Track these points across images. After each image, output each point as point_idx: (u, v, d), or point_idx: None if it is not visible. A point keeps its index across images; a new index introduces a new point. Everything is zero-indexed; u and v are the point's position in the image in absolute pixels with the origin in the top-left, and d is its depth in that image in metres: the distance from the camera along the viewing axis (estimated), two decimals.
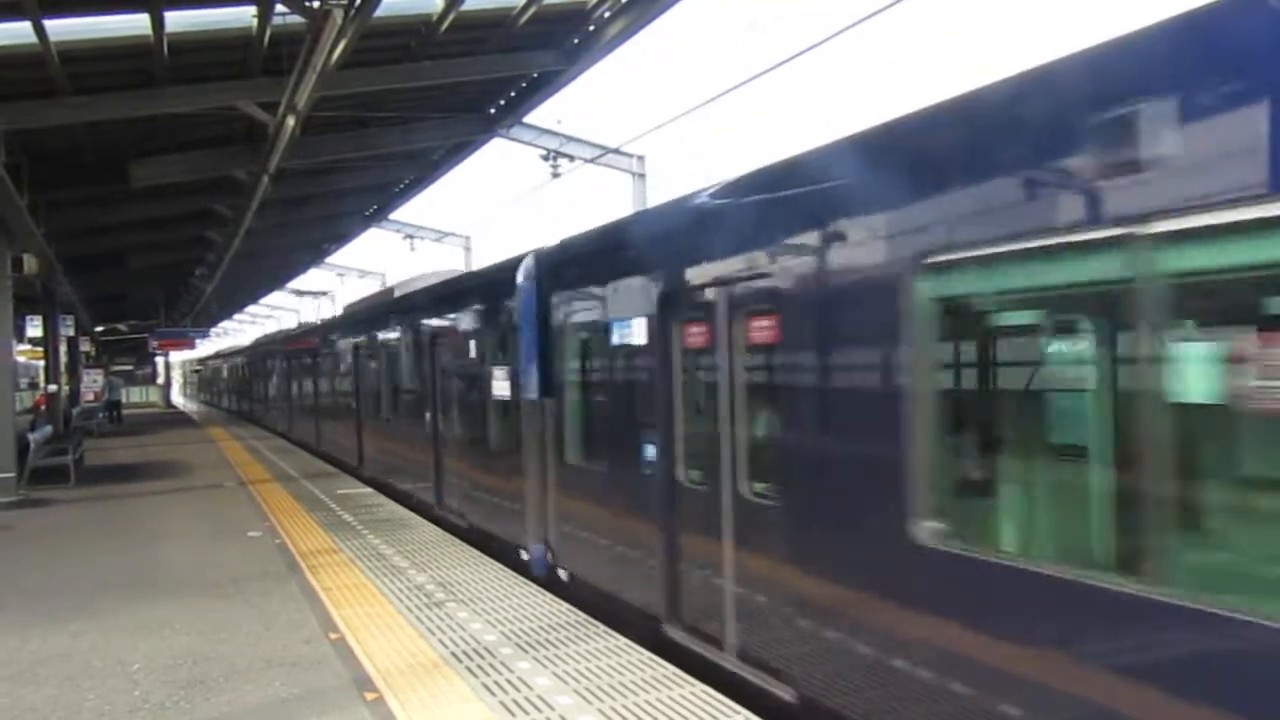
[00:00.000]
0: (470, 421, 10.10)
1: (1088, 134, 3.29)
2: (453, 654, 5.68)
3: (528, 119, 14.29)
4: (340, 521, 10.69)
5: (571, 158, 14.70)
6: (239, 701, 5.07)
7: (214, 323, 55.13)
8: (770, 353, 5.07)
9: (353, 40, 7.51)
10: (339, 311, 22.61)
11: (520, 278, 8.17)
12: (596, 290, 7.12)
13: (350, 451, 16.06)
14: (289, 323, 47.25)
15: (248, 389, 34.39)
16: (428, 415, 11.39)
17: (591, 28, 10.99)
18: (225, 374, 46.28)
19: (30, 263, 15.34)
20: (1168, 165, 3.05)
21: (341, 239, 26.50)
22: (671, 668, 5.35)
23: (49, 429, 18.38)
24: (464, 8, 9.75)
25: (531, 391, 8.03)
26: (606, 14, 10.63)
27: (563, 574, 7.65)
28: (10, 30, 8.63)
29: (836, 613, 4.51)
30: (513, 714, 4.70)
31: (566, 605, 6.77)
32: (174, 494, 13.72)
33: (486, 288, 9.82)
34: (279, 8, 8.42)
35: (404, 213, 22.40)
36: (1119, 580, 3.25)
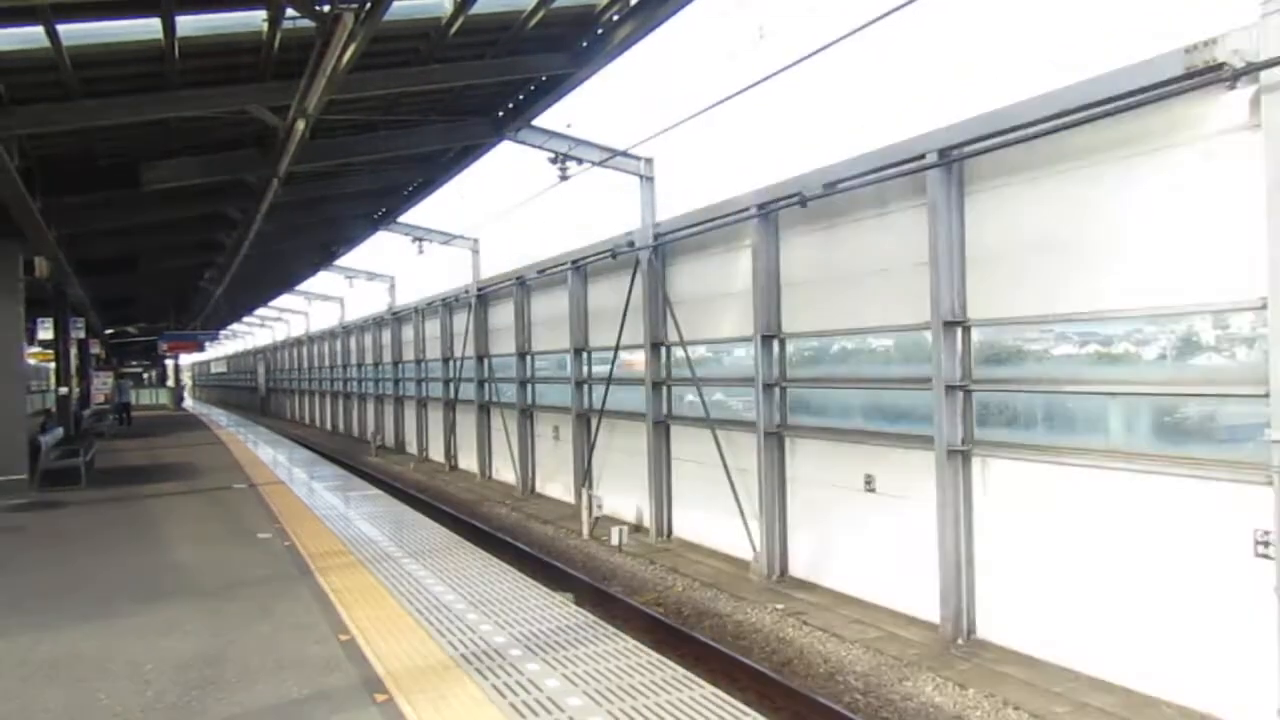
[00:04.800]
0: None
1: None
2: (462, 656, 5.69)
3: (536, 122, 14.30)
4: (349, 523, 10.73)
5: (580, 160, 14.71)
6: (251, 703, 5.09)
7: (223, 325, 55.32)
8: None
9: (363, 44, 7.54)
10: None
11: None
12: None
13: None
14: (296, 325, 47.42)
15: None
16: None
17: (600, 31, 10.99)
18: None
19: (42, 265, 15.43)
20: None
21: (350, 242, 26.54)
22: (680, 670, 5.36)
23: (60, 431, 18.48)
24: (473, 11, 9.76)
25: None
26: (615, 17, 10.63)
27: None
28: (23, 35, 8.68)
29: None
30: (523, 715, 4.71)
31: (575, 608, 6.79)
32: (184, 496, 13.78)
33: None
34: (289, 11, 8.43)
35: (412, 215, 22.44)
36: None
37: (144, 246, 20.72)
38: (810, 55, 8.53)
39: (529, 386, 19.88)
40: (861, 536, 10.22)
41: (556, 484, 18.57)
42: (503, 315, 21.03)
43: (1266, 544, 6.33)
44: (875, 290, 9.90)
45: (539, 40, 11.14)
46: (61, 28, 8.41)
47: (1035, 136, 7.81)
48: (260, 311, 49.61)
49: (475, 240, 22.79)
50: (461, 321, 23.53)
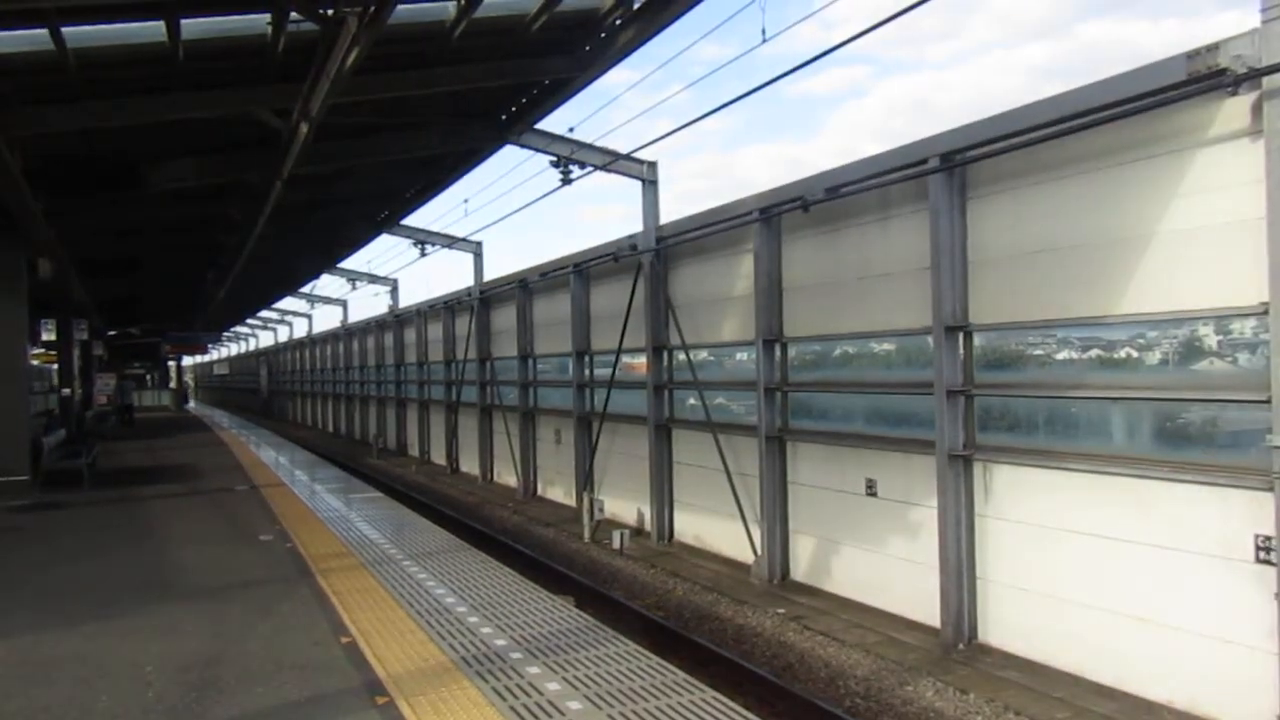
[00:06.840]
0: None
1: None
2: (463, 659, 5.69)
3: (539, 125, 14.31)
4: (350, 525, 10.73)
5: (582, 164, 14.72)
6: (251, 704, 5.09)
7: (226, 327, 55.41)
8: None
9: (366, 47, 7.55)
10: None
11: None
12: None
13: None
14: (299, 328, 47.52)
15: None
16: None
17: (603, 35, 11.01)
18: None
19: (45, 266, 15.45)
20: None
21: (353, 245, 26.58)
22: (681, 674, 5.36)
23: (62, 432, 18.50)
24: (477, 14, 9.78)
25: None
26: (618, 21, 10.65)
27: None
28: (28, 37, 8.71)
29: None
30: (523, 719, 4.71)
31: (576, 611, 6.78)
32: (186, 498, 13.78)
33: None
34: (293, 14, 8.45)
35: (415, 218, 22.48)
36: None
37: (147, 248, 20.76)
38: (813, 59, 8.53)
39: (531, 389, 19.90)
40: (863, 541, 10.21)
41: (558, 487, 18.57)
42: (505, 318, 21.05)
43: (1268, 549, 6.32)
44: (877, 294, 9.90)
45: (542, 44, 11.16)
46: (66, 30, 8.44)
47: (1037, 141, 7.82)
48: (263, 313, 49.70)
49: (478, 243, 22.82)
50: (464, 324, 23.55)
